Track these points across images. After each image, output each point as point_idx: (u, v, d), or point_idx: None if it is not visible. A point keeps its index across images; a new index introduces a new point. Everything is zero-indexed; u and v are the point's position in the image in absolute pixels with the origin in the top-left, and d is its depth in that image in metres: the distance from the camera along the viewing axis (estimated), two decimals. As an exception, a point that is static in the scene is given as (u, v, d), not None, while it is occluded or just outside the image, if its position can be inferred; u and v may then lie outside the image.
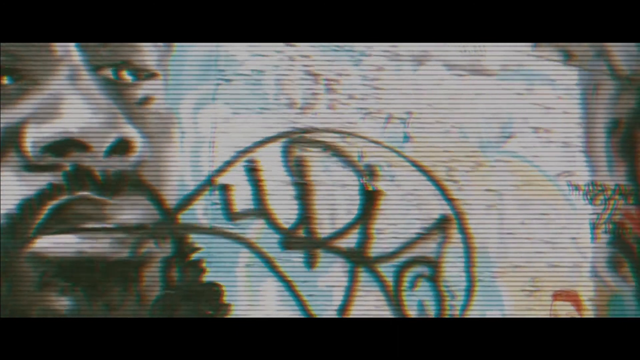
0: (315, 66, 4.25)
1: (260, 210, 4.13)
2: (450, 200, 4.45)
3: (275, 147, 4.17)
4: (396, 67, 4.39)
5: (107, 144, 3.84)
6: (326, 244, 4.23)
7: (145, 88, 3.94)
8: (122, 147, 3.86)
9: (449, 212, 4.45)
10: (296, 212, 4.19)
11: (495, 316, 4.46)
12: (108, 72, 3.90)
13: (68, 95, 3.86)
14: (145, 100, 3.95)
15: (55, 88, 3.90)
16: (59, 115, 3.88)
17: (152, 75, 3.97)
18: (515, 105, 4.62)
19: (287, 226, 4.17)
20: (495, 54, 4.59)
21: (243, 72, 4.12)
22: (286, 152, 4.18)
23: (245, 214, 4.09)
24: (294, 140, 4.19)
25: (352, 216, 4.30)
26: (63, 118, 3.87)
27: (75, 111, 3.85)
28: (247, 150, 4.12)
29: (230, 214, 4.07)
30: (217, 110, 4.07)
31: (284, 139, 4.18)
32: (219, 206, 4.05)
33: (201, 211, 4.03)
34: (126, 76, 3.92)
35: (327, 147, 4.23)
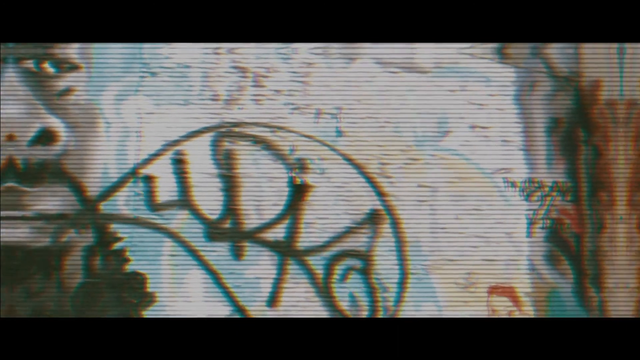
0: (243, 61, 4.28)
1: (184, 201, 4.16)
2: (381, 194, 4.48)
3: (205, 140, 4.20)
4: (327, 64, 4.42)
5: (31, 134, 3.88)
6: (253, 236, 4.26)
7: (67, 80, 3.97)
8: (45, 137, 3.89)
9: (380, 206, 4.47)
10: (222, 203, 4.23)
11: (434, 314, 4.47)
12: (29, 64, 3.94)
13: (-12, 86, 3.90)
14: (67, 91, 3.99)
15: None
16: (-22, 106, 3.92)
17: (74, 68, 4.00)
18: (450, 102, 4.63)
19: (212, 217, 4.20)
20: (428, 51, 4.61)
21: (168, 65, 4.16)
22: (215, 145, 4.21)
23: (168, 205, 4.13)
24: (224, 134, 4.23)
25: (280, 209, 4.33)
26: (-17, 108, 3.91)
27: (-5, 101, 3.89)
28: (176, 142, 4.15)
29: (153, 205, 4.10)
30: (140, 103, 4.10)
31: (213, 132, 4.22)
32: (141, 196, 4.08)
33: (123, 201, 4.06)
34: (48, 68, 3.95)
35: (257, 140, 4.26)
